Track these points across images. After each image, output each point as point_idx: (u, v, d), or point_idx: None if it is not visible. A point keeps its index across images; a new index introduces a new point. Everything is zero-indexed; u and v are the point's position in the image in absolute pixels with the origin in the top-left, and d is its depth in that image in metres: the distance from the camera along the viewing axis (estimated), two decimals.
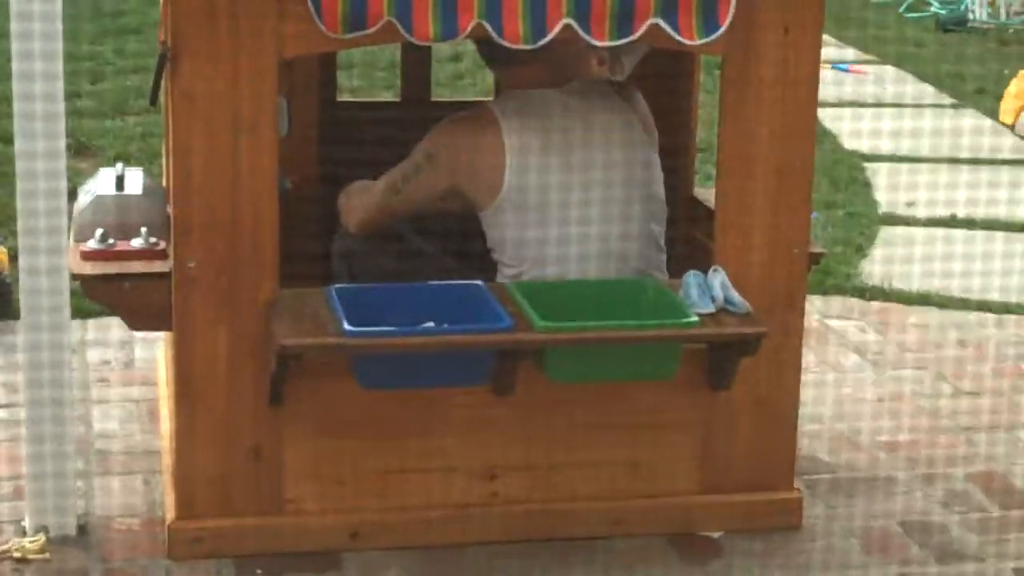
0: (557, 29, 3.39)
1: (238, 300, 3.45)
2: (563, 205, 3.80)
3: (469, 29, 3.35)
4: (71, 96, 7.82)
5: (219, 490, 3.51)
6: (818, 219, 6.20)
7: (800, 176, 3.65)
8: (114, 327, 4.65)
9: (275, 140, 3.44)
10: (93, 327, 4.89)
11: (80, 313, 4.71)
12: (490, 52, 3.90)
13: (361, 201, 4.01)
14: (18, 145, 3.52)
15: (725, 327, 3.50)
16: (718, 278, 3.59)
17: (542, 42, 3.40)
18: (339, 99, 4.81)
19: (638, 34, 3.42)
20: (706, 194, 4.16)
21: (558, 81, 3.90)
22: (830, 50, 10.45)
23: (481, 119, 3.85)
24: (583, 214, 3.80)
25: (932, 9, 12.14)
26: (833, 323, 5.32)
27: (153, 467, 3.98)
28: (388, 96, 7.54)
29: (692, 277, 3.59)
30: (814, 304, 5.43)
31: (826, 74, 9.67)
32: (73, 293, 3.61)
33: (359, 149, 4.59)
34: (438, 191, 3.88)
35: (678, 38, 3.45)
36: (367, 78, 8.40)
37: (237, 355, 3.46)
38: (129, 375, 4.61)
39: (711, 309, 3.53)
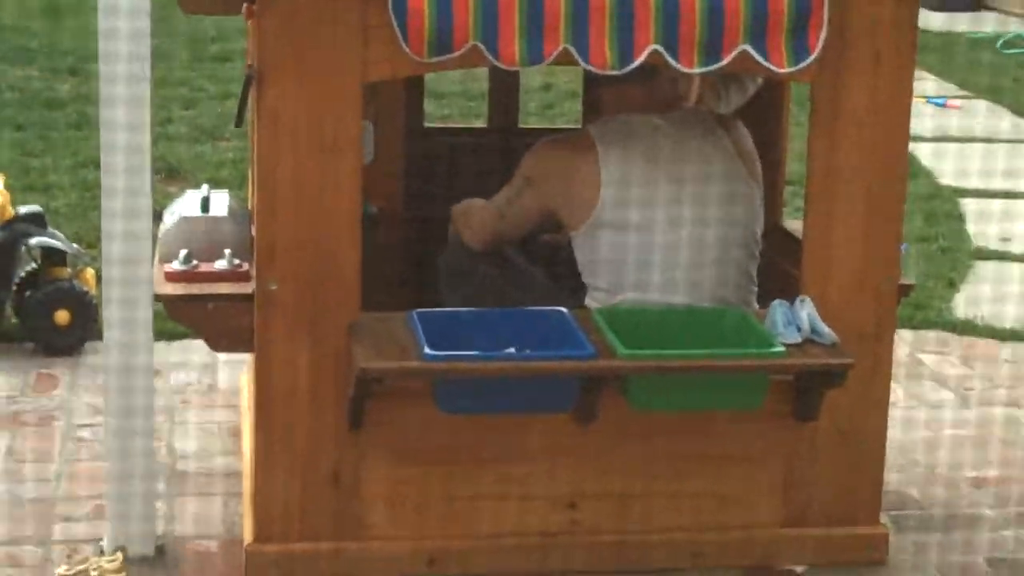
0: (645, 55, 3.36)
1: (319, 322, 3.44)
2: (655, 232, 3.77)
3: (555, 54, 3.34)
4: (163, 121, 7.91)
5: (297, 513, 3.50)
6: (908, 251, 6.12)
7: (891, 208, 3.61)
8: (198, 349, 4.66)
9: (359, 162, 3.44)
10: (178, 349, 4.91)
11: (164, 335, 4.73)
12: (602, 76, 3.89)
13: (476, 223, 4.03)
14: (104, 166, 3.54)
15: (811, 357, 3.46)
16: (805, 308, 3.55)
17: (628, 68, 3.37)
18: (426, 125, 4.81)
19: (727, 60, 3.39)
20: (795, 225, 4.11)
21: (660, 107, 3.88)
22: (927, 84, 10.36)
23: (579, 142, 3.84)
24: (676, 243, 3.77)
25: None
26: (924, 357, 5.25)
27: (233, 489, 3.98)
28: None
29: (779, 307, 3.55)
30: (905, 338, 5.36)
31: (923, 108, 9.59)
32: (157, 315, 3.62)
33: (445, 175, 4.60)
34: (536, 213, 3.89)
35: (768, 65, 3.42)
36: (457, 107, 8.41)
37: (318, 378, 3.45)
38: (212, 398, 4.62)
39: (797, 339, 3.49)
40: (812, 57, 3.43)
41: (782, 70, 3.43)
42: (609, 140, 3.80)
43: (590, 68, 3.36)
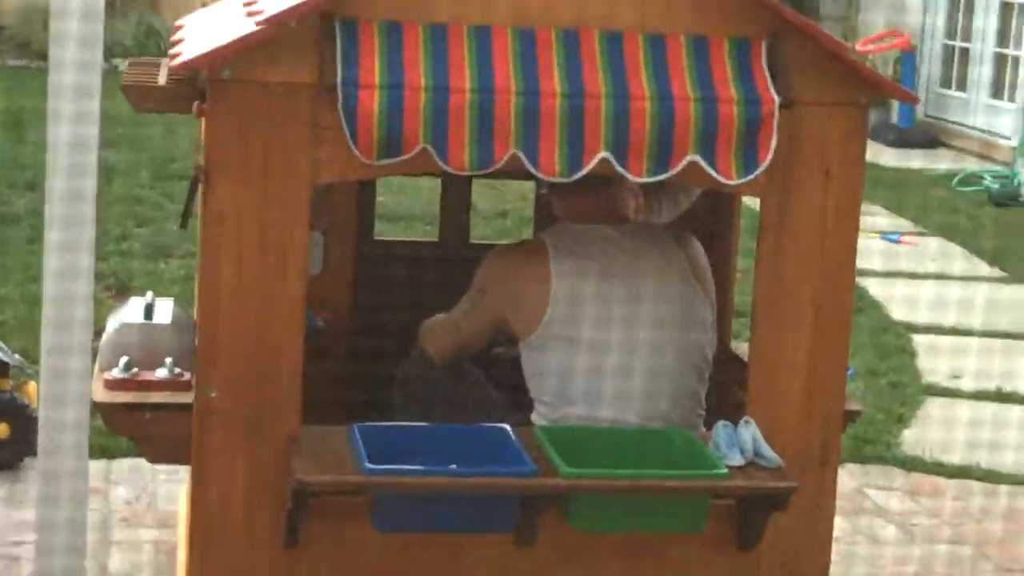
0: (594, 162, 3.34)
1: (259, 433, 3.38)
2: (604, 346, 3.75)
3: (505, 159, 3.31)
4: (118, 238, 7.88)
5: None
6: (855, 376, 6.12)
7: (838, 329, 3.57)
8: (141, 469, 4.59)
9: (304, 267, 3.39)
10: (119, 468, 4.83)
11: (107, 453, 4.66)
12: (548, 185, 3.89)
13: (437, 336, 4.04)
14: (45, 270, 3.47)
15: (754, 480, 3.40)
16: (749, 430, 3.50)
17: (577, 175, 3.35)
18: (376, 238, 4.79)
19: (676, 169, 3.37)
20: (743, 349, 4.09)
21: (614, 219, 3.88)
22: (880, 220, 10.45)
23: (530, 248, 3.85)
24: (626, 359, 3.75)
25: (985, 183, 12.11)
26: (871, 492, 5.21)
27: None
28: None
29: (722, 428, 3.51)
30: (852, 472, 5.34)
31: (876, 244, 9.65)
32: (101, 432, 3.55)
33: (395, 288, 4.58)
34: (490, 323, 3.89)
35: (716, 176, 3.39)
36: (412, 230, 8.42)
37: (256, 491, 3.38)
38: (151, 516, 4.53)
39: (740, 461, 3.44)
40: (761, 168, 3.41)
41: (731, 181, 3.41)
42: (561, 246, 3.79)
43: (539, 175, 3.34)
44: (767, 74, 3.39)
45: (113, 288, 6.90)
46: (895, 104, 14.92)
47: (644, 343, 3.77)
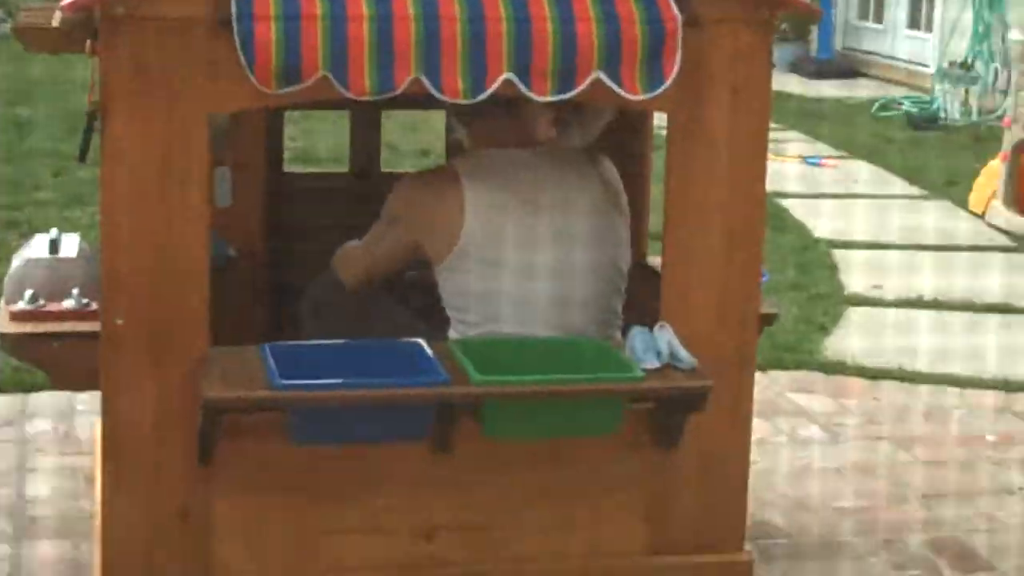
0: (497, 84, 3.30)
1: (166, 357, 3.35)
2: (518, 265, 3.74)
3: (406, 83, 3.27)
4: (31, 188, 7.81)
5: (145, 553, 3.38)
6: (768, 281, 6.16)
7: (750, 234, 3.57)
8: (58, 399, 4.56)
9: (206, 195, 3.35)
10: (35, 400, 4.80)
11: (21, 386, 4.62)
12: (456, 105, 3.86)
13: (350, 263, 4.01)
14: None
15: (670, 381, 3.40)
16: (664, 335, 3.49)
17: (480, 97, 3.31)
18: (286, 171, 4.76)
19: (580, 88, 3.34)
20: (657, 261, 4.08)
21: (528, 143, 3.85)
22: (801, 145, 10.50)
23: (442, 176, 3.81)
24: (538, 276, 3.74)
25: (903, 108, 12.17)
26: (793, 396, 5.24)
27: (85, 532, 3.86)
28: None
29: (638, 333, 3.50)
30: (774, 378, 5.37)
31: (797, 168, 9.69)
32: (20, 368, 3.53)
33: (306, 218, 4.56)
34: (403, 248, 3.87)
35: (622, 92, 3.37)
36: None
37: (165, 413, 3.35)
38: (67, 445, 4.51)
39: (656, 364, 3.44)
40: (666, 84, 3.39)
41: (636, 97, 3.39)
42: (473, 173, 3.77)
43: (442, 97, 3.30)
44: None
45: (27, 237, 6.81)
46: (814, 37, 14.99)
47: (559, 261, 3.76)
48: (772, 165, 3.55)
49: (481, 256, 3.73)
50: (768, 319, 3.94)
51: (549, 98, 3.35)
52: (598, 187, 3.84)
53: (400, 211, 3.84)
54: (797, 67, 14.26)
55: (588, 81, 3.35)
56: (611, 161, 3.99)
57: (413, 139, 9.35)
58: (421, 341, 3.49)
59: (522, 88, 3.32)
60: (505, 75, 3.30)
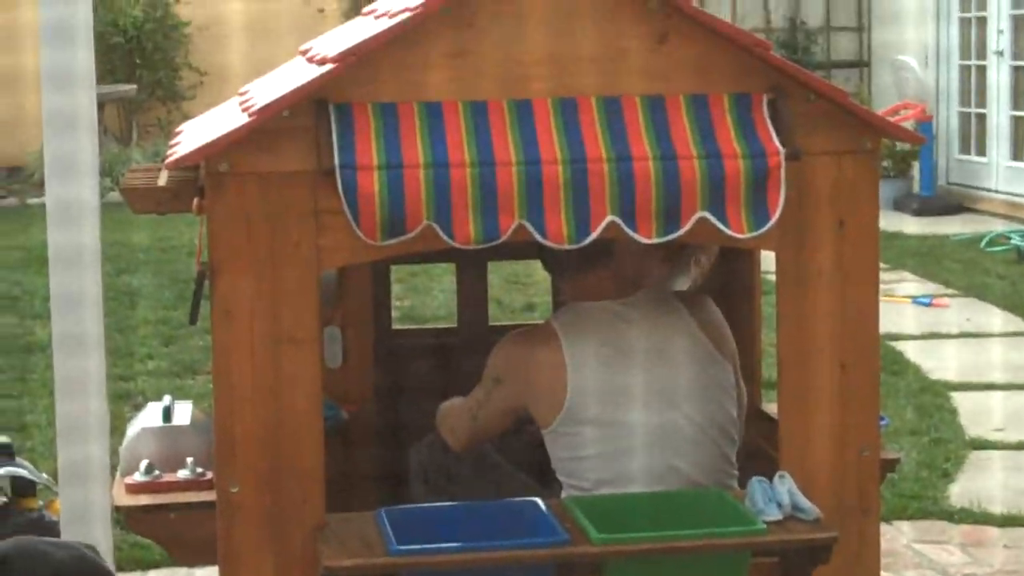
0: (602, 227, 3.31)
1: (283, 525, 3.34)
2: (626, 424, 3.71)
3: (511, 230, 3.28)
4: (144, 358, 7.88)
5: None
6: (888, 425, 6.06)
7: (866, 373, 3.53)
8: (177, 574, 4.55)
9: (318, 356, 3.37)
10: None
11: (140, 565, 4.61)
12: (551, 261, 3.85)
13: (454, 426, 3.99)
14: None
15: (794, 533, 3.34)
16: (785, 485, 3.44)
17: (586, 240, 3.32)
18: (395, 327, 4.77)
19: (685, 228, 3.34)
20: (773, 408, 4.02)
21: (622, 291, 3.84)
22: (911, 285, 10.38)
23: (540, 334, 3.80)
24: (648, 435, 3.72)
25: (1012, 242, 12.03)
26: (920, 547, 5.12)
27: None
28: None
29: (757, 484, 3.45)
30: (900, 529, 5.25)
31: (908, 308, 9.59)
32: (138, 544, 3.52)
33: (416, 376, 4.56)
34: (508, 412, 3.86)
35: (728, 232, 3.36)
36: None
37: None
38: None
39: (778, 516, 3.38)
40: (772, 221, 3.38)
41: (743, 235, 3.37)
42: (570, 329, 3.75)
43: (547, 243, 3.31)
44: (770, 127, 3.37)
45: (142, 407, 6.86)
46: (915, 174, 14.91)
47: (667, 415, 3.74)
48: (883, 306, 3.51)
49: (589, 418, 3.70)
50: (890, 465, 3.89)
51: (654, 240, 3.35)
52: (698, 331, 3.81)
53: (502, 372, 3.82)
54: (900, 205, 14.15)
55: (693, 220, 3.34)
56: (715, 304, 3.95)
57: (519, 293, 9.36)
58: (537, 500, 3.45)
59: (627, 230, 3.32)
60: (609, 218, 3.30)
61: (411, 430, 4.29)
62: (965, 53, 14.69)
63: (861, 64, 16.16)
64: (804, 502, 3.41)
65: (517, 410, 3.84)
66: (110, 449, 3.85)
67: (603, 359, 3.72)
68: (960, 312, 9.61)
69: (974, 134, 14.81)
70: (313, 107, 3.27)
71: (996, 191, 14.22)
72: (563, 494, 3.74)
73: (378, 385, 4.45)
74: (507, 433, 4.04)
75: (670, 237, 3.35)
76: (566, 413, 3.71)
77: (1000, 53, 14.11)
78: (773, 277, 3.50)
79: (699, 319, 3.83)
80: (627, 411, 3.71)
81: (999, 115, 14.29)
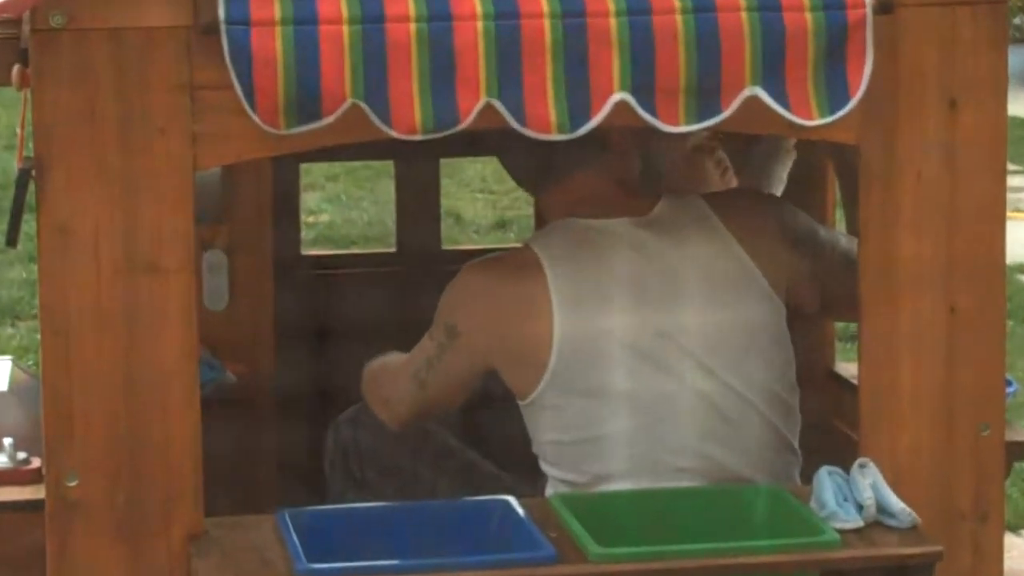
0: (606, 109, 3.32)
1: (143, 533, 3.38)
2: (636, 396, 3.76)
3: (474, 113, 3.30)
4: None
5: None
6: (1016, 393, 6.12)
7: (986, 319, 3.58)
8: None
9: (192, 290, 3.39)
10: None
11: None
12: (522, 164, 3.87)
13: (391, 396, 4.03)
14: None
15: (880, 547, 3.38)
16: (868, 477, 3.49)
17: (584, 129, 3.34)
18: (304, 253, 4.81)
19: (728, 112, 3.36)
20: (851, 369, 4.12)
21: (631, 200, 3.87)
22: None
23: (515, 264, 3.83)
24: (669, 410, 3.77)
25: None
26: None
27: None
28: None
29: (828, 477, 3.50)
30: None
31: None
32: None
33: (337, 323, 4.58)
34: (469, 376, 3.90)
35: (789, 116, 3.39)
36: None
37: None
38: None
39: (858, 522, 3.43)
40: (853, 102, 3.41)
41: (811, 122, 3.40)
42: (559, 257, 3.78)
43: (528, 132, 3.32)
44: None
45: None
46: None
47: (697, 381, 3.79)
48: (1012, 225, 3.54)
49: (584, 385, 3.75)
50: (1019, 450, 3.97)
51: (683, 127, 3.37)
52: (745, 259, 3.84)
53: (460, 320, 3.85)
54: None
55: (739, 100, 3.37)
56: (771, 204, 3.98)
57: (486, 205, 9.41)
58: (509, 499, 3.51)
59: (643, 114, 3.34)
60: (618, 95, 3.33)
61: (328, 399, 4.32)
62: None
63: None
64: (895, 503, 3.45)
65: (481, 373, 3.88)
66: None
67: (605, 301, 3.75)
68: None
69: None
70: None
71: None
72: (548, 491, 3.79)
73: (281, 335, 4.50)
74: (468, 405, 4.08)
75: (706, 124, 3.38)
76: (552, 378, 3.75)
77: None
78: None
79: (743, 236, 3.85)
80: (638, 376, 3.75)
81: None
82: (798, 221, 3.93)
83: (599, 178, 3.85)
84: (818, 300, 3.90)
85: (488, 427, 4.17)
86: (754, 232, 3.87)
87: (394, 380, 4.01)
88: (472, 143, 3.76)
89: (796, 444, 3.89)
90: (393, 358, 4.05)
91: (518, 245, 3.97)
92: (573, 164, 3.80)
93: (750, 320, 3.82)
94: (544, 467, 3.84)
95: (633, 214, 3.84)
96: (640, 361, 3.75)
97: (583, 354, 3.74)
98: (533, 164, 3.86)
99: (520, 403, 3.83)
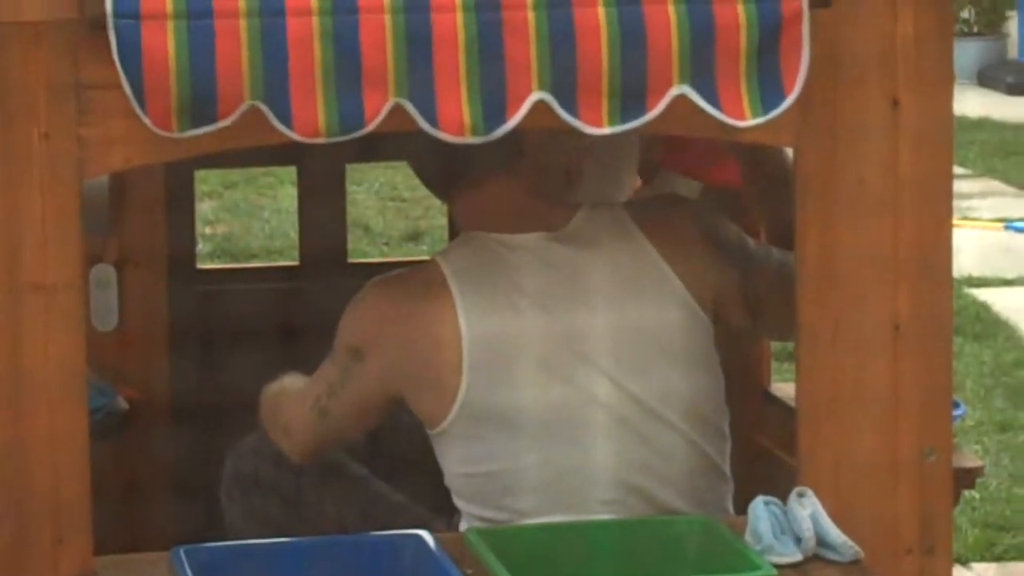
0: (524, 109, 3.34)
1: (26, 573, 3.36)
2: (556, 425, 3.77)
3: (382, 114, 3.31)
4: None
5: None
6: (964, 416, 6.16)
7: (932, 337, 3.59)
8: None
9: (79, 310, 3.38)
10: None
11: None
12: (423, 165, 3.91)
13: (292, 424, 4.01)
14: None
15: None
16: (807, 507, 3.50)
17: (500, 130, 3.35)
18: (200, 267, 4.80)
19: (654, 112, 3.38)
20: (788, 390, 4.14)
21: (547, 210, 3.87)
22: (1003, 202, 10.52)
23: (420, 283, 3.82)
24: (592, 439, 3.78)
25: None
26: None
27: None
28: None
29: (764, 508, 3.51)
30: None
31: (1000, 238, 9.72)
32: None
33: (236, 342, 4.58)
34: (374, 404, 3.89)
35: (720, 116, 3.40)
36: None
37: None
38: None
39: (796, 556, 3.45)
40: (788, 101, 3.42)
41: (743, 123, 3.41)
42: (466, 274, 3.79)
43: (440, 134, 3.33)
44: None
45: None
46: (1012, 32, 15.07)
47: (622, 407, 3.79)
48: (960, 234, 3.55)
49: (498, 412, 3.76)
50: (968, 477, 3.99)
51: (606, 129, 3.39)
52: (668, 273, 3.85)
53: (363, 342, 3.84)
54: (987, 78, 14.33)
55: (666, 99, 3.38)
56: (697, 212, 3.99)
57: (397, 215, 9.41)
58: (422, 533, 3.50)
59: (564, 115, 3.36)
60: (536, 95, 3.34)
61: (227, 427, 4.30)
62: None
63: None
64: (836, 535, 3.47)
65: (389, 400, 3.87)
66: None
67: (516, 321, 3.76)
68: None
69: None
70: None
71: None
72: (463, 527, 3.81)
73: (175, 356, 4.49)
74: (376, 432, 4.11)
75: (631, 125, 3.38)
76: (463, 405, 3.76)
77: None
78: None
79: (664, 245, 3.86)
80: (549, 396, 3.76)
81: None
82: (726, 229, 3.94)
83: (512, 186, 3.85)
84: (750, 316, 3.91)
85: (399, 455, 4.17)
86: (675, 240, 3.88)
87: (294, 408, 3.99)
88: (380, 146, 3.76)
89: (727, 470, 3.90)
90: (291, 382, 4.04)
91: (424, 261, 3.96)
92: (484, 169, 3.80)
93: (665, 329, 3.83)
94: (457, 502, 3.85)
95: (548, 226, 3.84)
96: (550, 379, 3.77)
97: (494, 378, 3.75)
98: (443, 167, 3.85)
99: (430, 432, 3.83)
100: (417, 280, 3.84)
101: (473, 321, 3.74)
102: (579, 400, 3.76)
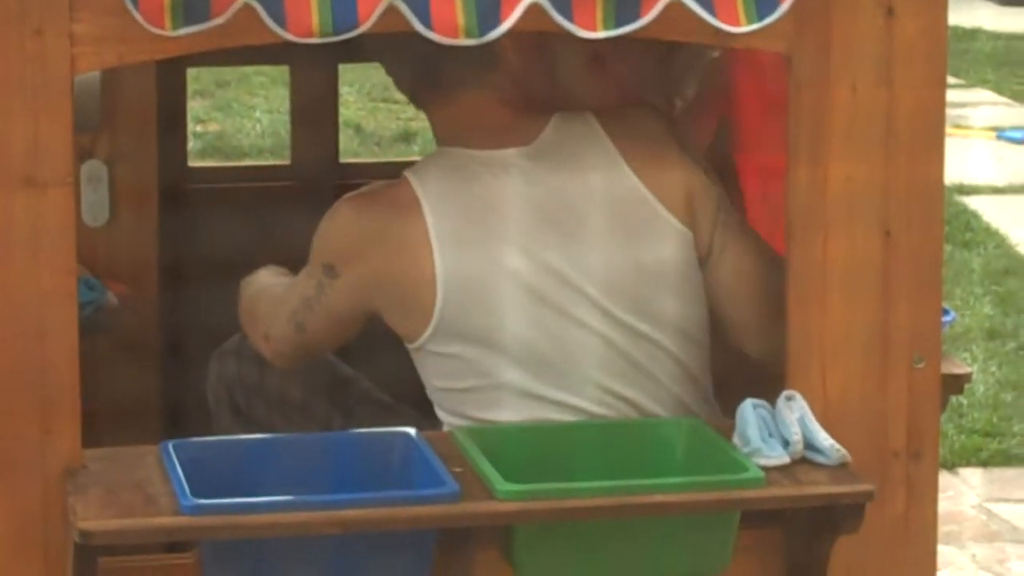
0: (518, 12, 3.32)
1: (14, 469, 3.37)
2: (531, 341, 3.76)
3: (376, 15, 3.28)
4: None
5: None
6: (954, 322, 6.17)
7: (921, 244, 3.60)
8: None
9: (70, 205, 3.37)
10: None
11: None
12: (409, 74, 3.89)
13: (271, 331, 3.99)
14: None
15: (808, 485, 3.40)
16: (795, 411, 3.51)
17: (494, 33, 3.33)
18: (192, 165, 4.80)
19: (648, 18, 3.36)
20: None
21: (526, 124, 3.86)
22: (994, 111, 10.51)
23: (391, 199, 3.80)
24: (569, 354, 3.77)
25: None
26: (997, 508, 5.24)
27: None
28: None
29: (752, 410, 3.52)
30: (969, 481, 5.36)
31: (991, 147, 9.70)
32: None
33: (226, 241, 4.57)
34: (350, 319, 3.88)
35: (715, 23, 3.40)
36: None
37: (15, 555, 3.37)
38: None
39: (784, 458, 3.45)
40: (782, 9, 3.41)
41: (738, 29, 3.41)
42: (438, 191, 3.77)
43: (432, 36, 3.32)
44: None
45: None
46: None
47: (597, 322, 3.78)
48: (951, 143, 3.56)
49: (472, 331, 3.75)
50: (956, 384, 3.97)
51: (599, 33, 3.38)
52: (633, 180, 3.83)
53: (337, 258, 3.83)
54: None
55: (661, 5, 3.36)
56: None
57: (389, 116, 9.39)
58: (410, 431, 3.52)
59: (558, 18, 3.34)
60: None
61: (214, 325, 4.31)
62: None
63: None
64: (823, 439, 3.48)
65: (364, 315, 3.87)
66: None
67: (492, 239, 3.76)
68: None
69: None
70: None
71: None
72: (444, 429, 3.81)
73: (165, 253, 4.51)
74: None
75: (625, 30, 3.37)
76: (438, 324, 3.75)
77: None
78: None
79: (636, 159, 3.84)
80: (533, 320, 3.75)
81: None
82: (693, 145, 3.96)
83: (487, 99, 3.84)
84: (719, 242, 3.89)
85: (384, 359, 4.17)
86: (646, 149, 3.87)
87: (273, 316, 3.98)
88: (374, 46, 3.76)
89: (706, 373, 3.90)
90: (268, 281, 4.04)
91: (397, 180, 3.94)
92: (459, 81, 3.78)
93: (652, 251, 3.82)
94: (439, 414, 3.85)
95: (521, 139, 3.82)
96: (534, 303, 3.75)
97: (472, 297, 3.74)
98: (419, 75, 3.85)
99: (409, 348, 3.83)
100: (387, 199, 3.82)
101: (446, 239, 3.73)
102: (560, 320, 3.76)
